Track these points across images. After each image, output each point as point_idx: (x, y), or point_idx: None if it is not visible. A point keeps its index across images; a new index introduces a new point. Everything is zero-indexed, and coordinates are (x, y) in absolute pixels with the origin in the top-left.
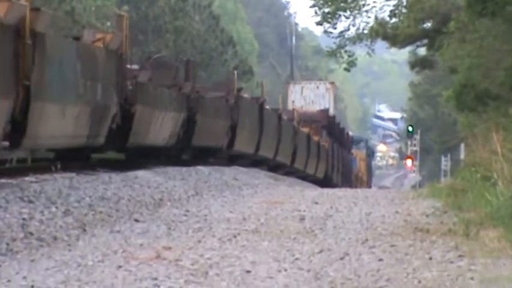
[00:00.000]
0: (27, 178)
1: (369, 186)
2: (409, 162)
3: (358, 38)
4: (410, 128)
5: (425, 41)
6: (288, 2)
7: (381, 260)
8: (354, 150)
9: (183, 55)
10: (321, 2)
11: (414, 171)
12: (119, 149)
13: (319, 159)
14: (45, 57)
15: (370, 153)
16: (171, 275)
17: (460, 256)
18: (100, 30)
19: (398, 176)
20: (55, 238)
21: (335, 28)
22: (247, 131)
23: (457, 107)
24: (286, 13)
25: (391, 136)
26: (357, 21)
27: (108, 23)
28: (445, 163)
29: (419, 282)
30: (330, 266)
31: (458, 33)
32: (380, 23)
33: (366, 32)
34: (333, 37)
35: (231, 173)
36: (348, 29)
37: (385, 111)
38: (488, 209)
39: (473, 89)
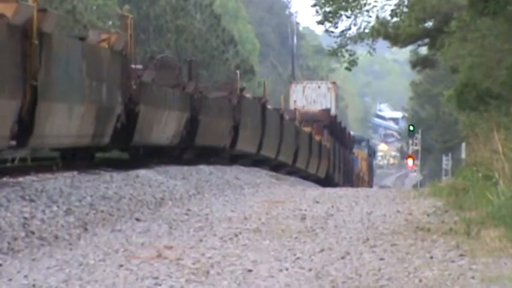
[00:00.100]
0: (28, 177)
1: (370, 186)
2: (410, 161)
3: (359, 37)
4: (411, 128)
5: (426, 40)
6: (289, 2)
7: (382, 259)
8: (355, 150)
9: (184, 54)
10: (322, 1)
11: (415, 170)
12: (123, 149)
13: (320, 158)
14: (51, 58)
15: (372, 153)
16: (172, 274)
17: (461, 255)
18: (105, 31)
19: (399, 175)
20: (56, 237)
21: (336, 27)
22: (250, 131)
23: (459, 106)
24: (287, 12)
25: (392, 135)
26: (358, 20)
27: (110, 22)
28: (446, 162)
29: (420, 281)
30: (331, 265)
31: (460, 32)
32: (381, 23)
33: (367, 31)
34: (334, 36)
35: (232, 172)
36: (349, 29)
37: (386, 111)
38: (489, 208)
39: (474, 88)
